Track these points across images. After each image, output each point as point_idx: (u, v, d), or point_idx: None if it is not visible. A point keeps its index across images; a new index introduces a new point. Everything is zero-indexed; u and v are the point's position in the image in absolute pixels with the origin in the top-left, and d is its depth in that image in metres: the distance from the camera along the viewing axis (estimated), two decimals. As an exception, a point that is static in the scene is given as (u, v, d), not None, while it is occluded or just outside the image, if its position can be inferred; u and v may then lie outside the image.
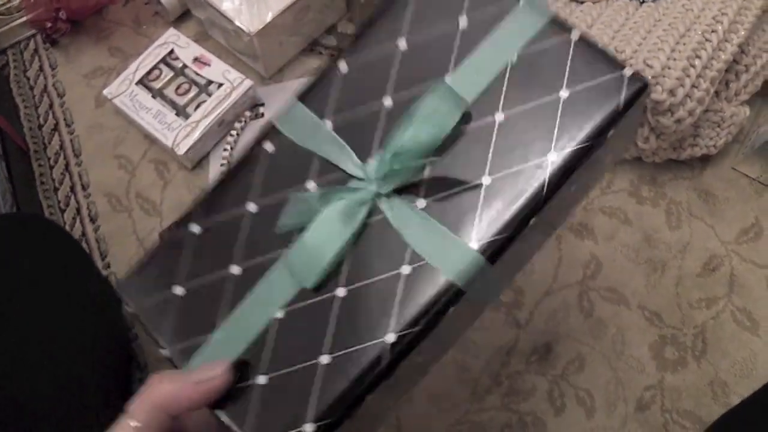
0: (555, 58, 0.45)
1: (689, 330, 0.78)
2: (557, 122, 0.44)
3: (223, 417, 0.42)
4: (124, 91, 0.90)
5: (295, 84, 0.92)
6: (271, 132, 0.48)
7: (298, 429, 0.41)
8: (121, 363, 0.76)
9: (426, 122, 0.44)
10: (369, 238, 0.44)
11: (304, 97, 0.48)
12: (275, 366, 0.43)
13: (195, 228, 0.47)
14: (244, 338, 0.44)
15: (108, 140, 0.93)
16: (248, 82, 0.88)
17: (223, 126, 0.89)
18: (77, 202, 0.90)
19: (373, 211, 0.44)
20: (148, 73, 0.91)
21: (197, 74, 0.90)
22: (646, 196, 0.84)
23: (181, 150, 0.86)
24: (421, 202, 0.44)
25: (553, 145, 0.43)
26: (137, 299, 0.46)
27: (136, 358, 0.81)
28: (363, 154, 0.46)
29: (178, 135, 0.86)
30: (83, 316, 0.69)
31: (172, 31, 0.94)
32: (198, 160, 0.89)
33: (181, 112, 0.89)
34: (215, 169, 0.88)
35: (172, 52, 0.92)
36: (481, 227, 0.43)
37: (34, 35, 1.03)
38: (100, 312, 0.72)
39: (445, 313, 0.43)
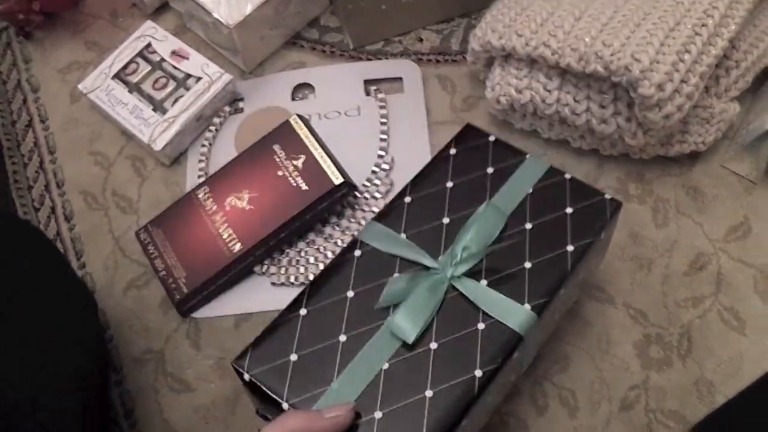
0: (558, 190, 0.67)
1: (675, 329, 0.77)
2: (569, 227, 0.65)
3: None
4: (100, 86, 0.88)
5: (277, 78, 0.90)
6: (355, 242, 0.65)
7: None
8: (97, 365, 0.74)
9: (481, 227, 0.64)
10: (449, 309, 0.61)
11: (378, 218, 0.67)
12: (386, 404, 0.56)
13: (303, 311, 0.61)
14: (357, 388, 0.57)
15: (83, 136, 0.91)
16: (227, 76, 0.86)
17: (202, 121, 0.87)
18: (52, 200, 0.88)
19: (449, 291, 0.61)
20: (125, 67, 0.89)
21: (175, 68, 0.88)
22: (633, 193, 0.83)
23: (158, 146, 0.84)
24: (484, 282, 0.62)
25: (569, 240, 0.64)
26: (255, 368, 0.59)
27: (111, 360, 0.79)
28: (433, 255, 0.63)
29: (155, 130, 0.84)
30: (58, 319, 0.67)
31: (149, 23, 0.92)
32: (176, 156, 0.87)
33: (159, 107, 0.87)
34: (193, 165, 0.86)
35: (149, 45, 0.90)
36: (530, 294, 0.61)
37: (6, 28, 1.01)
38: (75, 314, 0.70)
39: (512, 355, 0.59)
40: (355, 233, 0.80)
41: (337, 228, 0.81)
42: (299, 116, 0.81)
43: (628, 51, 0.72)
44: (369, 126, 0.87)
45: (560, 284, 0.62)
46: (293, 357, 0.58)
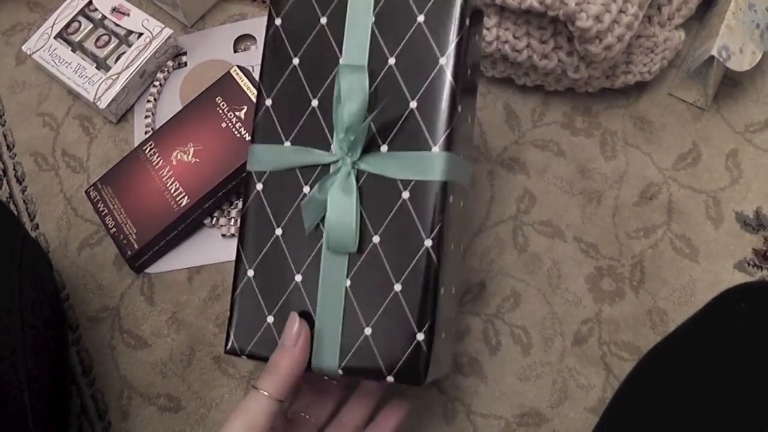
0: (400, 3, 0.58)
1: (627, 260, 0.77)
2: (430, 38, 0.57)
3: (367, 368, 0.56)
4: (43, 46, 0.87)
5: (219, 31, 0.89)
6: (250, 176, 0.61)
7: (418, 340, 0.55)
8: (54, 324, 0.75)
9: (348, 96, 0.56)
10: (369, 194, 0.58)
11: (253, 139, 0.62)
12: (369, 316, 0.56)
13: (250, 273, 0.60)
14: (337, 316, 0.57)
15: (31, 98, 0.90)
16: (168, 31, 0.85)
17: (145, 77, 0.86)
18: (3, 163, 0.88)
19: (358, 175, 0.58)
20: (67, 26, 0.88)
21: (116, 25, 0.87)
22: (580, 127, 0.83)
23: (103, 103, 0.83)
24: (384, 147, 0.57)
25: (438, 53, 0.57)
26: (246, 343, 0.60)
27: (68, 320, 0.79)
28: (324, 146, 0.59)
29: (99, 88, 0.84)
30: (12, 279, 0.67)
31: (90, -19, 0.91)
32: (122, 113, 0.87)
33: (102, 64, 0.86)
34: (140, 121, 0.86)
35: (90, 3, 0.89)
36: (430, 133, 0.56)
37: (-52, -7, 0.99)
38: (31, 274, 0.71)
39: (446, 203, 0.56)
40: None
41: (284, 177, 0.81)
42: (240, 67, 0.80)
43: (562, -18, 0.71)
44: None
45: (454, 104, 0.57)
46: (270, 319, 0.59)
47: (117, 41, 0.87)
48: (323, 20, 0.60)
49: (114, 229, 0.79)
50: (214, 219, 0.80)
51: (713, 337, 0.56)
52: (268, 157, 0.61)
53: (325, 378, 0.63)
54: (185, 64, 0.88)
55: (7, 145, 0.89)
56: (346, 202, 0.57)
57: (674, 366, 0.57)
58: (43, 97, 0.90)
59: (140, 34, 0.86)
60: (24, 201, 0.85)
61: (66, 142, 0.88)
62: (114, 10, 0.87)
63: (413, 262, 0.56)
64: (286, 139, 0.60)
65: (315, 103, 0.60)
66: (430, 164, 0.56)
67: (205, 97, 0.80)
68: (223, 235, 0.80)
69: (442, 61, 0.57)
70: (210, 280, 0.79)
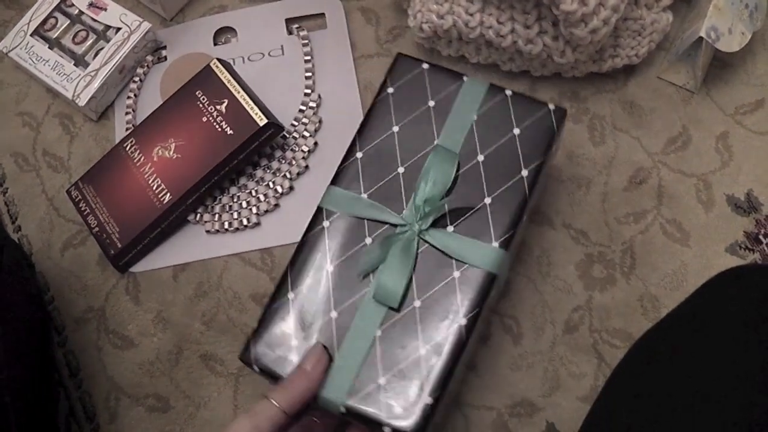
0: (501, 110, 0.67)
1: (617, 246, 0.76)
2: (519, 150, 0.66)
3: (370, 413, 0.59)
4: (20, 44, 0.86)
5: (198, 24, 0.88)
6: (320, 212, 0.66)
7: (425, 403, 0.58)
8: (38, 326, 0.74)
9: (436, 174, 0.65)
10: (424, 263, 0.63)
11: (335, 181, 0.67)
12: (387, 369, 0.60)
13: (291, 295, 0.63)
14: (357, 360, 0.61)
15: (10, 98, 0.89)
16: (146, 25, 0.84)
17: (125, 72, 0.85)
18: (-17, 164, 0.86)
19: (420, 244, 0.64)
20: (43, 22, 0.87)
21: (94, 20, 0.85)
22: (568, 112, 0.81)
23: (83, 101, 0.82)
24: (450, 228, 0.64)
25: (522, 165, 0.65)
26: (263, 358, 0.62)
27: (53, 321, 0.78)
28: (397, 209, 0.65)
29: (78, 86, 0.82)
30: None
31: (65, -24, 0.89)
32: (102, 110, 0.85)
33: (80, 61, 0.85)
34: (120, 118, 0.85)
35: (66, -2, 0.87)
36: (495, 231, 0.63)
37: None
38: (10, 277, 0.70)
39: (489, 294, 0.62)
40: (287, 174, 0.79)
41: (268, 170, 0.80)
42: (220, 60, 0.79)
43: (545, -35, 0.70)
44: (294, 65, 0.84)
45: (521, 213, 0.64)
46: (294, 342, 0.62)
47: (95, 37, 0.85)
48: (431, 103, 0.68)
49: (96, 229, 0.78)
50: (198, 215, 0.79)
51: (705, 322, 0.55)
52: (343, 201, 0.66)
53: (314, 419, 0.63)
54: (165, 58, 0.86)
55: (-13, 146, 0.87)
56: (403, 263, 0.63)
57: (666, 351, 0.56)
58: (21, 96, 0.89)
59: (118, 29, 0.84)
60: (5, 203, 0.84)
61: (46, 142, 0.86)
62: (91, 5, 0.86)
63: (445, 334, 0.61)
64: (365, 192, 0.66)
65: (401, 170, 0.66)
66: (487, 256, 0.63)
67: (185, 92, 0.79)
68: (208, 231, 0.79)
69: (524, 173, 0.65)
70: (195, 277, 0.78)
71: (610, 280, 0.75)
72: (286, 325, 0.62)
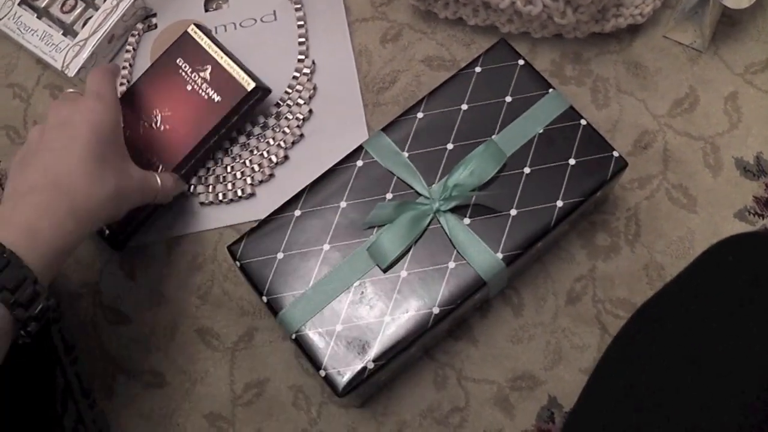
0: (568, 135, 0.67)
1: (621, 213, 0.74)
2: (566, 180, 0.65)
3: (314, 352, 0.62)
4: (7, 14, 0.84)
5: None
6: (360, 149, 0.68)
7: (363, 366, 0.61)
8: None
9: (477, 166, 0.65)
10: (427, 240, 0.65)
11: (387, 129, 0.69)
12: (349, 320, 0.63)
13: (297, 212, 0.66)
14: (328, 297, 0.63)
15: (-1, 69, 0.87)
16: (135, -8, 0.82)
17: (114, 41, 0.82)
18: (-26, 138, 0.85)
19: (432, 221, 0.65)
20: (31, -9, 0.85)
21: (82, -13, 0.83)
22: (570, 75, 0.79)
23: (72, 71, 0.80)
24: (467, 220, 0.65)
25: (560, 195, 0.65)
26: (248, 256, 0.66)
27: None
28: (428, 180, 0.66)
29: (67, 55, 0.80)
30: None
31: (52, -58, 0.87)
32: (93, 80, 0.84)
33: (69, 30, 0.83)
34: (111, 89, 0.83)
35: (53, -35, 0.85)
36: (506, 243, 0.64)
37: None
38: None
39: (472, 297, 0.63)
40: (281, 143, 0.77)
41: (262, 139, 0.78)
42: (197, 25, 0.77)
43: None
44: (287, 30, 0.82)
45: (537, 240, 0.64)
46: (279, 255, 0.65)
47: (83, 5, 0.83)
48: (508, 99, 0.69)
49: None
50: (192, 187, 0.77)
51: (704, 289, 0.55)
52: (383, 150, 0.68)
53: None
54: (155, 26, 0.84)
55: (-22, 120, 0.86)
56: (408, 231, 0.64)
57: (666, 318, 0.56)
58: (11, 67, 0.87)
59: (107, -3, 0.82)
60: (-1, 176, 0.83)
61: (38, 114, 0.84)
62: (79, -28, 0.84)
63: (413, 314, 0.63)
64: (407, 151, 0.68)
65: (450, 146, 0.67)
66: (486, 262, 0.64)
67: (164, 61, 0.77)
68: (201, 203, 0.77)
69: (559, 204, 0.65)
70: (190, 250, 0.77)
71: (614, 248, 0.73)
72: (280, 238, 0.66)
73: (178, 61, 0.76)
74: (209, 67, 0.75)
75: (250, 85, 0.73)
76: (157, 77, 0.77)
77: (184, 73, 0.75)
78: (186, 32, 0.76)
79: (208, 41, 0.75)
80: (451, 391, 0.70)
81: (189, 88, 0.75)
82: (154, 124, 0.75)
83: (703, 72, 0.78)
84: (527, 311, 0.72)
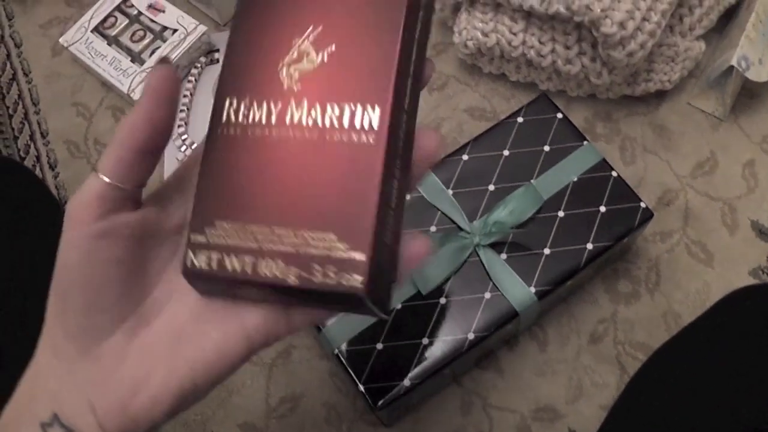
0: (600, 185, 0.72)
1: (643, 263, 0.78)
2: (596, 225, 0.70)
3: (353, 368, 0.66)
4: (80, 39, 0.90)
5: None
6: None
7: (400, 383, 0.65)
8: None
9: (517, 206, 0.70)
10: (466, 271, 0.69)
11: (434, 168, 0.73)
12: (389, 340, 0.66)
13: None
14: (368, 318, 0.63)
15: (66, 88, 0.93)
16: (202, 28, 0.88)
17: (179, 72, 0.88)
18: (37, 150, 0.90)
19: (471, 254, 0.69)
20: (104, 20, 0.91)
21: (152, 21, 0.90)
22: (601, 132, 0.84)
23: (137, 95, 0.86)
24: (504, 256, 0.70)
25: (591, 239, 0.70)
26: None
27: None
28: (470, 217, 0.71)
29: (134, 81, 0.86)
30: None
31: (126, -22, 0.93)
32: (154, 106, 0.89)
33: (137, 58, 0.89)
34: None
35: (127, -1, 0.92)
36: (538, 279, 0.68)
37: (-11, -14, 1.03)
38: None
39: (504, 327, 0.68)
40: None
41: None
42: None
43: (589, -12, 0.73)
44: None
45: (568, 278, 0.69)
46: None
47: (152, 36, 0.89)
48: (546, 148, 0.74)
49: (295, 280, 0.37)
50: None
51: (719, 336, 0.58)
52: (431, 189, 0.73)
53: None
54: (217, 60, 0.90)
55: (41, 133, 0.91)
56: (449, 261, 0.69)
57: (680, 363, 0.59)
58: (77, 87, 0.93)
59: (175, 30, 0.88)
60: (56, 187, 0.88)
61: (98, 131, 0.90)
62: (150, 6, 0.90)
63: (450, 338, 0.67)
64: (450, 188, 0.73)
65: (491, 188, 0.73)
66: (520, 295, 0.68)
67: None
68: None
69: (589, 246, 0.70)
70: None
71: (635, 295, 0.77)
72: None
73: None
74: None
75: None
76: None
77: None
78: None
79: None
80: (476, 417, 0.74)
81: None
82: (310, 62, 0.36)
83: (724, 138, 0.84)
84: (552, 347, 0.76)
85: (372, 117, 0.35)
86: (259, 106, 0.36)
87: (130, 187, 0.36)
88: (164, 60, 0.37)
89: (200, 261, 0.36)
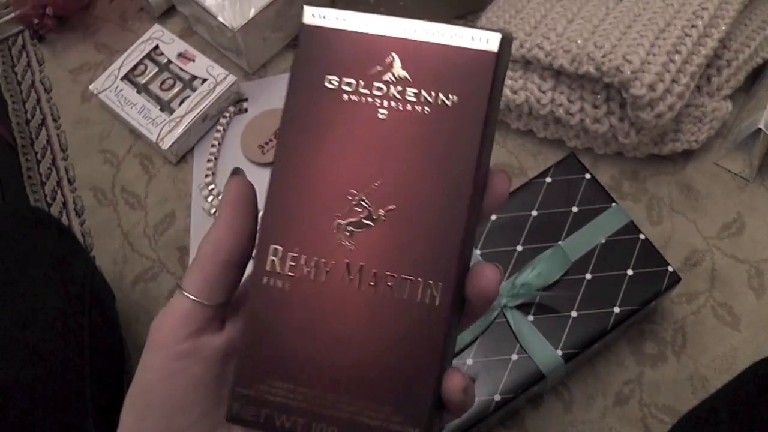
0: (628, 247, 0.72)
1: (669, 325, 0.78)
2: (623, 289, 0.70)
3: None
4: (110, 86, 0.91)
5: (280, 79, 0.93)
6: None
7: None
8: (114, 349, 0.76)
9: (544, 268, 0.70)
10: (493, 333, 0.69)
11: None
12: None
13: None
14: None
15: (94, 135, 0.94)
16: (231, 78, 0.89)
17: (207, 121, 0.89)
18: (63, 196, 0.91)
19: (498, 316, 0.70)
20: (134, 68, 0.92)
21: (182, 70, 0.91)
22: (627, 191, 0.84)
23: (166, 144, 0.86)
24: (531, 317, 0.69)
25: (618, 302, 0.70)
26: None
27: (126, 347, 0.81)
28: None
29: (163, 130, 0.87)
30: (84, 300, 0.71)
31: (157, 27, 0.94)
32: (182, 154, 0.90)
33: (166, 107, 0.89)
34: (200, 163, 0.89)
35: (156, 47, 0.93)
36: (565, 342, 0.68)
37: (21, 31, 1.04)
38: (97, 301, 0.73)
39: (531, 389, 0.68)
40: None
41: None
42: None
43: (620, 52, 0.74)
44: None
45: (594, 341, 0.69)
46: None
47: (181, 85, 0.90)
48: (574, 209, 0.74)
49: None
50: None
51: (748, 406, 0.57)
52: None
53: None
54: (246, 110, 0.91)
55: (69, 179, 0.92)
56: (476, 324, 0.67)
57: (709, 429, 0.58)
58: (105, 134, 0.93)
59: (204, 80, 0.89)
60: (82, 234, 0.88)
61: (125, 179, 0.90)
62: (180, 55, 0.91)
63: (477, 399, 0.65)
64: (480, 249, 0.73)
65: (519, 248, 0.73)
66: (547, 357, 0.68)
67: (302, 88, 0.37)
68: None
69: (616, 310, 0.69)
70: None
71: (661, 357, 0.77)
72: None
73: (321, 76, 0.36)
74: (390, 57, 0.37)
75: (490, 41, 0.36)
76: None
77: (348, 90, 0.36)
78: (304, 25, 0.37)
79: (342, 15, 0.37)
80: (500, 479, 0.73)
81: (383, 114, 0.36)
82: (355, 222, 0.35)
83: (751, 200, 0.83)
84: (577, 408, 0.75)
85: (435, 293, 0.34)
86: (309, 260, 0.35)
87: (216, 303, 0.36)
88: (236, 171, 0.38)
89: (246, 413, 0.36)
